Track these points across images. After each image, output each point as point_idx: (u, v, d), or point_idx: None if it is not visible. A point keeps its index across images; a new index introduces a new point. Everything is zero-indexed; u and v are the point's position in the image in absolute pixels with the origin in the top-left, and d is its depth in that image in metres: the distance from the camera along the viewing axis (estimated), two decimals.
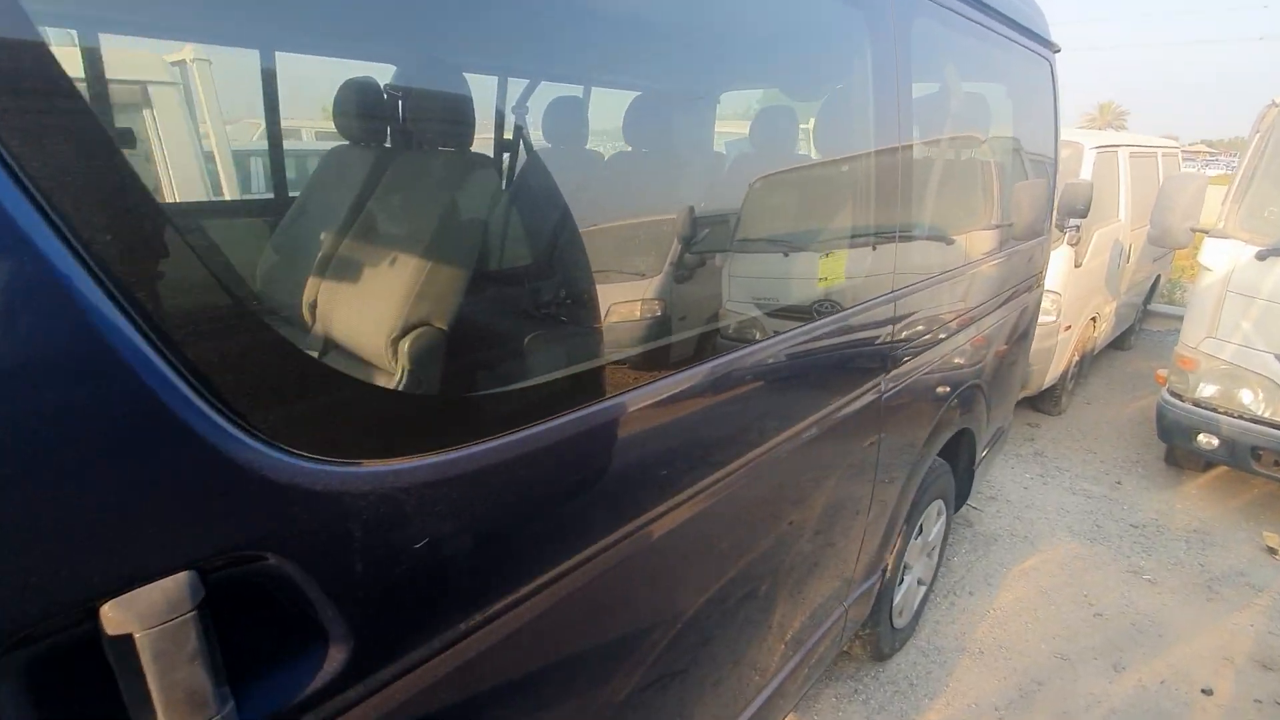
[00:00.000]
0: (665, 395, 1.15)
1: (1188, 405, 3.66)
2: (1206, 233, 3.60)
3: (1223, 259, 3.51)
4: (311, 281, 1.62)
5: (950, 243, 2.21)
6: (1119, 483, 4.18)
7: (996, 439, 3.27)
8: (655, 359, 1.26)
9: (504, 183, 2.78)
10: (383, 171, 1.80)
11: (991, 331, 2.60)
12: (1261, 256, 3.34)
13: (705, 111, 2.14)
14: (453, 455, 0.82)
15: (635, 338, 1.53)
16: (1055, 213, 3.87)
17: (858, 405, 1.72)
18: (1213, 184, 4.60)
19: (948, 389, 2.28)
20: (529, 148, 2.76)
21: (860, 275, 1.69)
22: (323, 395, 0.76)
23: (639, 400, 1.10)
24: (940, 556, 2.89)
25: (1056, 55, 2.99)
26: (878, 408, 1.81)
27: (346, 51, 2.12)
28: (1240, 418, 3.46)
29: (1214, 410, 3.55)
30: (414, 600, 0.82)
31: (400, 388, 1.32)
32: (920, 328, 1.97)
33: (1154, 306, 7.61)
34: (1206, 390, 3.58)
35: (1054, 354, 4.54)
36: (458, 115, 1.75)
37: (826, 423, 1.62)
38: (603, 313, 1.45)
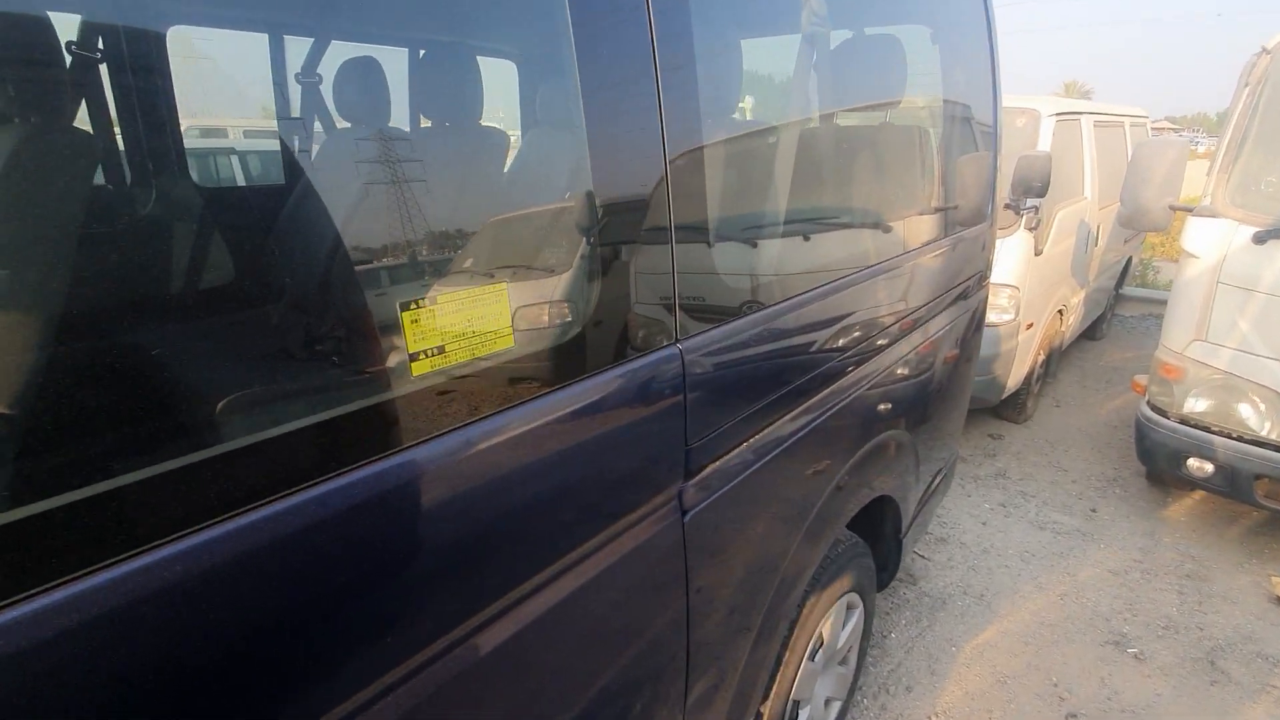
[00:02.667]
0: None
1: (1173, 423, 2.98)
2: (1190, 211, 2.90)
3: (1211, 243, 2.81)
4: None
5: (804, 255, 1.48)
6: (1094, 510, 3.51)
7: (941, 474, 2.57)
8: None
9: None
10: None
11: (908, 362, 1.88)
12: (1260, 240, 2.64)
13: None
14: None
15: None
16: (1006, 191, 3.18)
17: (633, 541, 0.99)
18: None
19: (833, 460, 1.55)
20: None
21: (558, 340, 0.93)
22: None
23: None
24: (860, 658, 2.18)
25: None
26: (677, 535, 1.08)
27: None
28: (1240, 439, 2.78)
29: (1207, 430, 2.87)
30: None
31: None
32: (743, 392, 1.23)
33: (1126, 290, 6.98)
34: (1198, 405, 2.89)
35: (1015, 357, 3.87)
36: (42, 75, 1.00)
37: (570, 583, 0.90)
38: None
